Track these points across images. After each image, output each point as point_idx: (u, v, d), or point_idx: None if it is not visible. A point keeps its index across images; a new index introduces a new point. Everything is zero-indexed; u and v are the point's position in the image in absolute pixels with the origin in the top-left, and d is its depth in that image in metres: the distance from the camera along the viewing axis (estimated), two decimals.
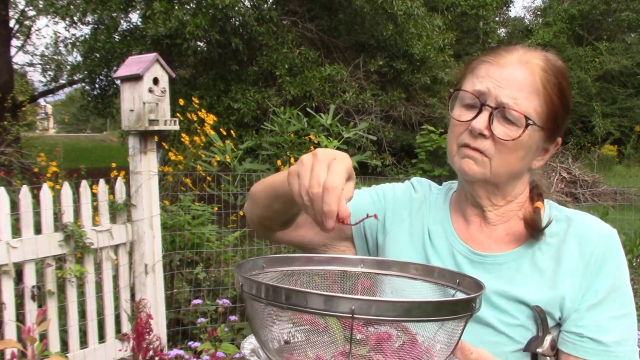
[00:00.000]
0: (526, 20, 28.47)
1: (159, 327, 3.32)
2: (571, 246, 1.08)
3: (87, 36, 12.80)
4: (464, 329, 0.80)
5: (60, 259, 3.07)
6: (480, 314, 1.08)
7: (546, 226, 1.09)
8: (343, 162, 0.89)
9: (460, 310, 0.75)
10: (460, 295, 0.89)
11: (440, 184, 1.32)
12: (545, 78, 1.07)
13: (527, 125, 1.05)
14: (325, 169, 0.87)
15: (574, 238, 1.09)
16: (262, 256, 0.94)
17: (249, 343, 0.88)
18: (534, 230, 1.09)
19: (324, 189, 0.85)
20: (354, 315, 0.68)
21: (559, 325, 1.08)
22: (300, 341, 0.81)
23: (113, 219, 3.32)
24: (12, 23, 14.54)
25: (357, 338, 0.78)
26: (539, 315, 1.05)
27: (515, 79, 1.06)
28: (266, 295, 0.74)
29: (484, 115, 1.06)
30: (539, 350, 1.05)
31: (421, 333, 0.80)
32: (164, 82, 3.23)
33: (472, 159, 1.08)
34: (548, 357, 1.06)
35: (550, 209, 1.14)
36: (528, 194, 1.17)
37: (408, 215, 1.23)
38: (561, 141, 1.14)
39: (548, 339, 1.05)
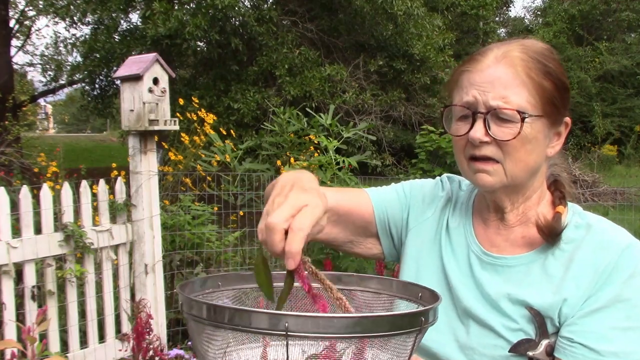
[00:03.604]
0: (526, 20, 28.49)
1: (159, 327, 3.32)
2: (585, 253, 1.04)
3: (87, 36, 12.82)
4: (414, 345, 0.74)
5: (60, 259, 3.07)
6: (483, 315, 1.07)
7: (561, 231, 1.05)
8: (315, 208, 0.79)
9: (406, 325, 0.69)
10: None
11: None
12: (527, 66, 1.04)
13: (523, 119, 1.02)
14: (291, 209, 0.78)
15: (590, 245, 1.04)
16: (212, 275, 0.90)
17: None
18: (548, 235, 1.06)
19: (290, 228, 0.76)
20: (288, 333, 0.64)
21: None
22: None
23: (113, 219, 3.32)
24: (12, 23, 14.55)
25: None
26: (535, 318, 1.02)
27: (497, 78, 1.03)
28: (207, 315, 0.69)
29: (479, 123, 1.04)
30: (530, 353, 1.01)
31: (366, 350, 0.75)
32: (164, 82, 3.23)
33: (484, 172, 1.06)
34: None
35: (573, 215, 1.10)
36: (546, 187, 1.14)
37: (432, 214, 1.23)
38: (570, 120, 1.10)
39: (544, 344, 1.01)
